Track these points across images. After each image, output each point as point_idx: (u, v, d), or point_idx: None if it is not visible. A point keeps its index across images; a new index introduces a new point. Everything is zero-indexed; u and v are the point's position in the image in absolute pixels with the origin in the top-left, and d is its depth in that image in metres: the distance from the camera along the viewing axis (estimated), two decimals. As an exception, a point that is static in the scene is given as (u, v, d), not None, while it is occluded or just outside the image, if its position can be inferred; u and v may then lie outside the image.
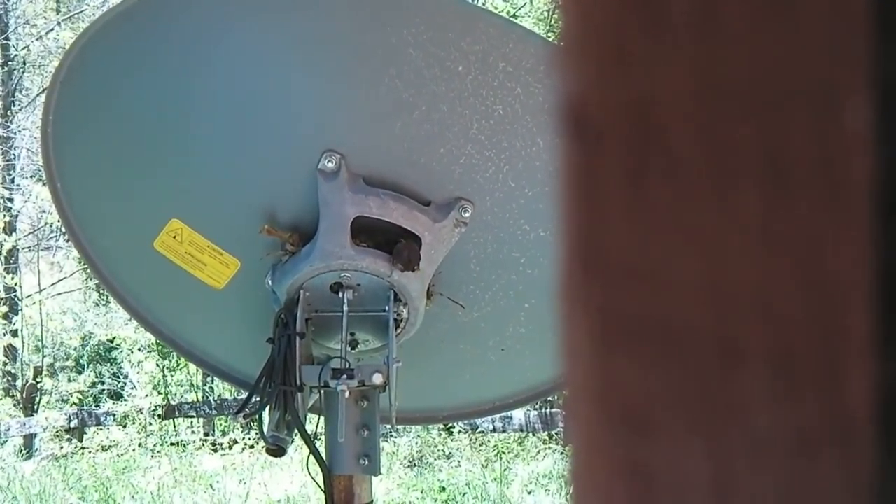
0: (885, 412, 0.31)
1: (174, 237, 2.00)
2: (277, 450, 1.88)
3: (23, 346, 12.61)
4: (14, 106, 13.86)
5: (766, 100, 0.30)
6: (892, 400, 0.30)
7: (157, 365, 11.72)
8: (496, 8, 10.07)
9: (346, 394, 1.82)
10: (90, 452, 9.92)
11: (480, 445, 9.31)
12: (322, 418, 1.97)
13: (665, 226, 0.32)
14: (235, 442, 9.96)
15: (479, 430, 9.23)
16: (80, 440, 10.39)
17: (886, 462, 0.31)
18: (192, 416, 10.78)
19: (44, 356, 12.81)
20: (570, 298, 0.33)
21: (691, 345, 0.32)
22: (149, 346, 11.69)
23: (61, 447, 10.12)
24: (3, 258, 12.60)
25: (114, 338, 12.45)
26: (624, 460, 0.33)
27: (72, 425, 10.44)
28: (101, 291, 13.10)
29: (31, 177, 13.89)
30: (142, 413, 10.34)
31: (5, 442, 10.27)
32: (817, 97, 0.30)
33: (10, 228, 12.80)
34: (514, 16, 10.01)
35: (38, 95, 13.28)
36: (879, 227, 0.30)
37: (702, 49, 0.31)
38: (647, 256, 0.32)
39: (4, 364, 12.34)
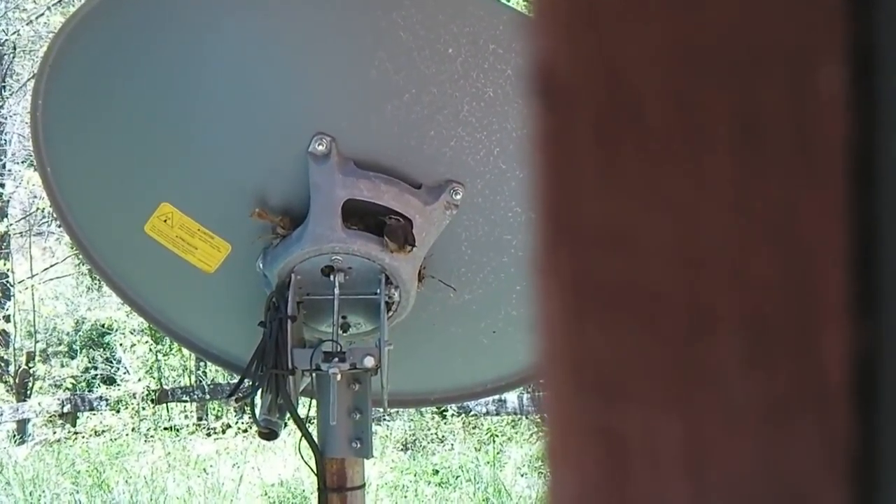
0: (859, 378, 0.31)
1: (165, 221, 2.00)
2: (270, 433, 1.88)
3: (15, 331, 12.59)
4: (4, 91, 13.81)
5: (740, 65, 0.30)
6: (866, 365, 0.31)
7: (150, 349, 11.72)
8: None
9: (338, 377, 1.82)
10: (83, 437, 9.93)
11: (474, 429, 9.33)
12: (314, 401, 1.97)
13: (637, 192, 0.31)
14: (228, 426, 9.98)
15: (472, 413, 9.25)
16: (74, 425, 10.39)
17: (862, 427, 0.31)
18: (186, 401, 10.79)
19: (36, 341, 12.80)
20: (542, 267, 0.33)
21: (664, 312, 0.32)
22: (141, 331, 11.69)
23: (54, 432, 10.12)
24: (-6, 244, 12.57)
25: (106, 323, 12.44)
26: (597, 429, 0.33)
27: (65, 410, 10.44)
28: (94, 276, 13.08)
29: (23, 162, 13.85)
30: (135, 398, 10.35)
31: (-2, 427, 10.27)
32: (792, 62, 0.30)
33: (1, 214, 12.77)
34: (506, -1, 9.98)
35: (28, 80, 13.22)
36: (853, 192, 0.30)
37: (674, 13, 0.31)
38: (618, 223, 0.32)
39: (-3, 350, 12.34)
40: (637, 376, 0.32)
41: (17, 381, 11.86)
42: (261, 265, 1.97)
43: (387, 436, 9.08)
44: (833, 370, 0.31)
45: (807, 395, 0.31)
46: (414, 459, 8.49)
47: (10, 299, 12.60)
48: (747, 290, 0.31)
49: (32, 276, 13.11)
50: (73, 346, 13.44)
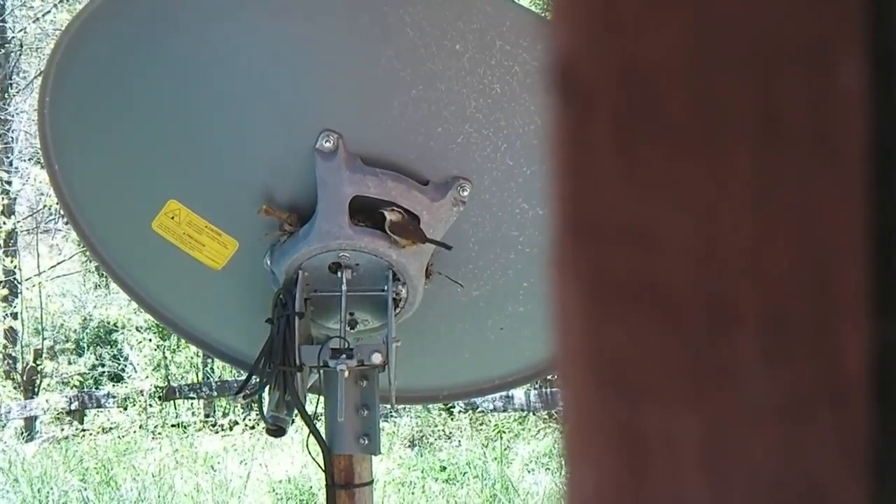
0: (879, 373, 0.31)
1: (172, 218, 2.00)
2: (277, 430, 1.89)
3: (23, 328, 12.60)
4: (11, 89, 13.82)
5: (759, 60, 0.30)
6: (886, 360, 0.30)
7: (157, 347, 11.73)
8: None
9: (346, 373, 1.82)
10: (91, 434, 9.94)
11: (481, 425, 9.33)
12: (322, 398, 1.97)
13: (656, 187, 0.31)
14: (236, 423, 9.99)
15: (479, 409, 9.25)
16: (81, 422, 10.41)
17: (881, 423, 0.31)
18: (193, 398, 10.80)
19: (44, 339, 12.81)
20: (560, 262, 0.33)
21: (683, 307, 0.32)
22: (148, 328, 11.70)
23: (62, 429, 10.14)
24: (2, 241, 12.59)
25: (114, 320, 12.45)
26: (616, 425, 0.33)
27: (72, 407, 10.46)
28: (101, 273, 13.10)
29: (30, 159, 13.87)
30: (142, 395, 10.36)
31: (6, 424, 10.29)
32: (811, 57, 0.30)
33: (8, 211, 12.79)
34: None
35: (35, 78, 13.23)
36: (873, 186, 0.30)
37: (693, 8, 0.31)
38: (637, 218, 0.32)
39: (5, 347, 12.35)
40: (656, 372, 0.32)
41: (24, 378, 11.88)
42: (268, 262, 1.97)
43: (394, 432, 9.08)
44: (852, 366, 0.31)
45: (826, 392, 0.31)
46: (421, 456, 8.50)
47: (17, 296, 12.61)
48: (767, 287, 0.31)
49: (39, 273, 13.12)
50: (81, 344, 13.46)
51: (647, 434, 0.33)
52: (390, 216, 1.84)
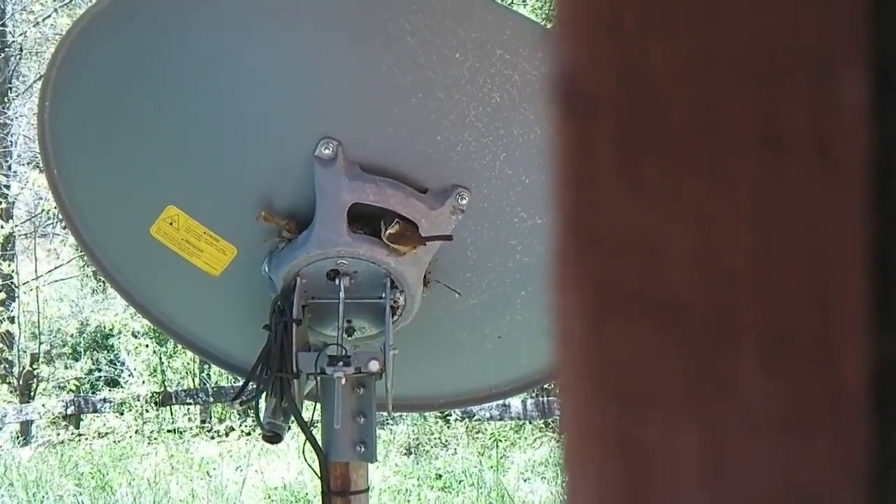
0: (879, 387, 0.31)
1: (171, 224, 2.00)
2: (274, 436, 1.88)
3: (19, 332, 12.60)
4: (11, 93, 13.83)
5: (763, 72, 0.30)
6: (886, 375, 0.30)
7: (154, 352, 11.72)
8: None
9: (343, 381, 1.82)
10: (87, 439, 9.94)
11: (477, 433, 9.32)
12: (318, 405, 1.97)
13: (659, 198, 0.31)
14: (232, 429, 9.99)
15: (475, 418, 9.25)
16: (77, 427, 10.40)
17: (881, 437, 0.31)
18: (189, 404, 10.80)
19: (40, 343, 12.80)
20: (562, 272, 0.33)
21: (685, 320, 0.32)
22: (145, 333, 11.69)
23: (58, 434, 10.13)
24: (-1, 245, 12.59)
25: (110, 325, 12.44)
26: (617, 437, 0.33)
27: (68, 412, 10.46)
28: (98, 278, 13.09)
29: (28, 164, 13.87)
30: (138, 400, 10.35)
31: (1, 429, 10.28)
32: (814, 70, 0.30)
33: (6, 215, 12.79)
34: (512, 3, 9.98)
35: (34, 82, 13.24)
36: (874, 200, 0.30)
37: (697, 20, 0.31)
38: (640, 229, 0.32)
39: (1, 351, 12.34)
40: (657, 383, 0.32)
41: (20, 382, 11.86)
42: (266, 268, 1.97)
43: (390, 440, 9.08)
44: (852, 380, 0.31)
45: (826, 405, 0.31)
46: (417, 464, 8.49)
47: (14, 301, 12.60)
48: (768, 300, 0.31)
49: (37, 277, 13.11)
50: (77, 348, 13.45)
51: (647, 445, 0.33)
52: (389, 230, 1.84)
